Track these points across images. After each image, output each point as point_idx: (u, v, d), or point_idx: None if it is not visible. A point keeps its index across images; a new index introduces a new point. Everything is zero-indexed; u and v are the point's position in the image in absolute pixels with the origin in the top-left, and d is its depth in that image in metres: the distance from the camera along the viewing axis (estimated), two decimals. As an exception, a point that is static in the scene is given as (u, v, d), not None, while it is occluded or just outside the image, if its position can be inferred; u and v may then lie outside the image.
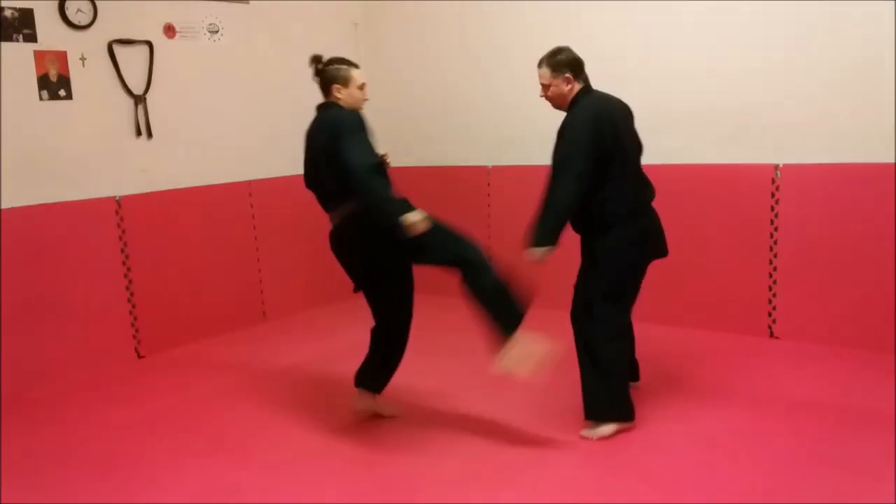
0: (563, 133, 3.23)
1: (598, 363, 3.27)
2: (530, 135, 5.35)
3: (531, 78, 5.22)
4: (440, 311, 5.43)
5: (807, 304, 4.33)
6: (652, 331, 4.72)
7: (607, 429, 3.25)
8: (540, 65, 3.31)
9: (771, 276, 4.43)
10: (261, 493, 2.94)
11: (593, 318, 3.32)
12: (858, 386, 3.68)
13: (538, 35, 5.19)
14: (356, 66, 3.31)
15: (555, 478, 2.95)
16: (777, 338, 4.44)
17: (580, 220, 3.33)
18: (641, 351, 4.41)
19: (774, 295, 4.43)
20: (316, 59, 3.30)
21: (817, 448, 3.07)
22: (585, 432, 3.27)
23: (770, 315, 4.46)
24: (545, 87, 3.31)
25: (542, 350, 3.10)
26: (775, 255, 4.40)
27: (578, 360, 3.35)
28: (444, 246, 3.24)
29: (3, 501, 2.95)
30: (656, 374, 3.97)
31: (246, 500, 2.90)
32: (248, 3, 5.26)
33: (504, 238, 5.48)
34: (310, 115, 5.61)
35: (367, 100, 3.35)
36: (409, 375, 4.09)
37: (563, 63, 3.25)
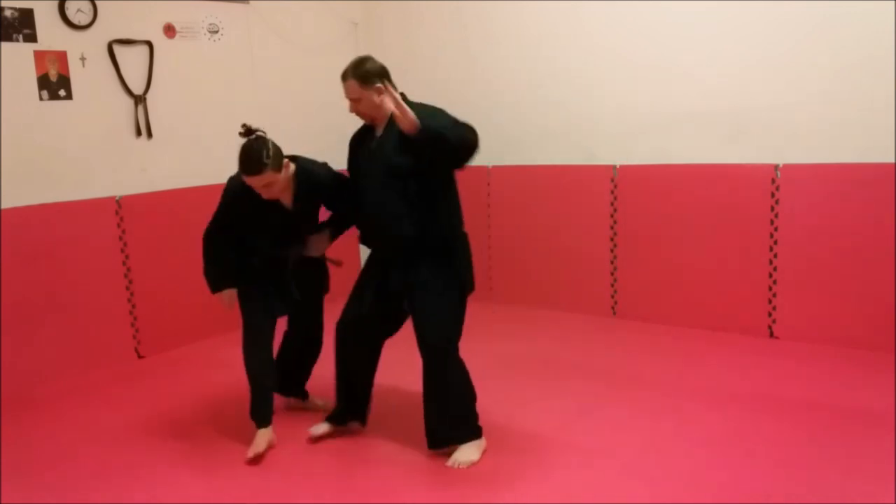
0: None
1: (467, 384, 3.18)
2: (530, 135, 5.35)
3: (532, 77, 5.25)
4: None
5: (807, 304, 4.34)
6: (652, 330, 4.73)
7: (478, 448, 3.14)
8: (345, 77, 3.05)
9: (771, 275, 4.43)
10: (260, 493, 2.94)
11: (455, 347, 3.14)
12: (858, 386, 3.68)
13: (538, 35, 5.20)
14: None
15: (554, 478, 2.95)
16: (777, 338, 4.44)
17: (423, 238, 3.06)
18: (641, 349, 4.42)
19: (774, 295, 4.43)
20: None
21: (817, 448, 3.07)
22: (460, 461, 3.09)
23: (770, 315, 4.46)
24: (355, 102, 3.04)
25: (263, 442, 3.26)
26: (775, 255, 4.40)
27: (446, 389, 3.13)
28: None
29: (3, 502, 2.95)
30: (657, 374, 3.97)
31: (246, 499, 2.91)
32: (247, 3, 5.26)
33: (504, 238, 5.48)
34: (309, 113, 5.69)
35: None
36: (408, 376, 4.09)
37: (374, 73, 3.01)
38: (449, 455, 3.10)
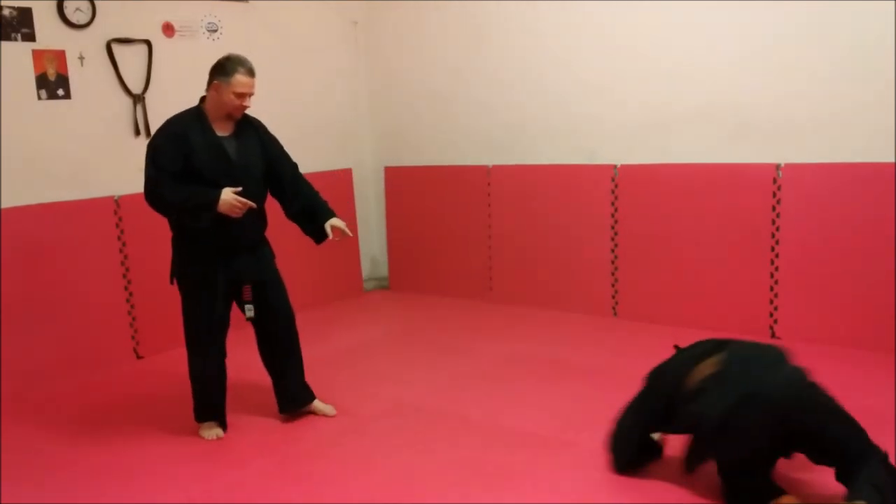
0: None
1: None
2: (530, 134, 5.34)
3: (532, 77, 5.24)
4: (441, 310, 5.43)
5: (808, 305, 4.32)
6: (653, 330, 4.71)
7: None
8: (253, 72, 3.28)
9: (772, 276, 4.41)
10: (259, 494, 2.93)
11: None
12: (859, 386, 3.65)
13: (538, 34, 5.19)
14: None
15: (555, 478, 2.93)
16: (778, 338, 4.43)
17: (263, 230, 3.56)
18: (642, 350, 4.39)
19: (776, 295, 4.42)
20: None
21: None
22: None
23: (771, 315, 4.45)
24: (248, 97, 3.28)
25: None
26: (777, 255, 4.39)
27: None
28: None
29: (3, 502, 2.94)
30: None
31: (244, 500, 2.89)
32: (247, 2, 5.24)
33: (504, 237, 5.47)
34: (308, 112, 5.67)
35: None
36: (410, 375, 4.09)
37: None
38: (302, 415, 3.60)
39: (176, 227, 3.37)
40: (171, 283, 3.43)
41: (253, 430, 3.51)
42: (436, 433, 3.41)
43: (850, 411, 3.34)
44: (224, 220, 3.21)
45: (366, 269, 6.25)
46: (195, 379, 3.46)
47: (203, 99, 3.33)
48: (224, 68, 3.23)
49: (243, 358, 4.65)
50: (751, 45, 4.37)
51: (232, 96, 3.21)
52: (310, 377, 3.67)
